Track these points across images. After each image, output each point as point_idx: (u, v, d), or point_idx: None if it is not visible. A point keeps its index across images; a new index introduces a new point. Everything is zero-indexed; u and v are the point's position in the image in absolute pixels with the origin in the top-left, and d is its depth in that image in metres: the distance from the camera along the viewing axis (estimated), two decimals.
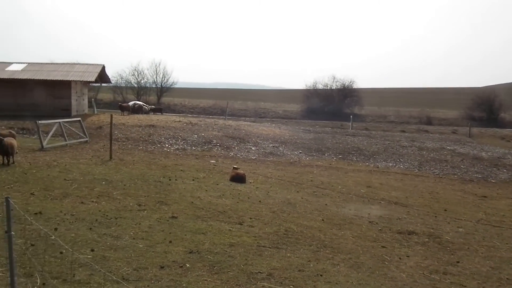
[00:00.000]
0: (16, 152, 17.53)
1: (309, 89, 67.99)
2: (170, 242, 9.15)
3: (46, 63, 44.39)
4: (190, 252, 8.60)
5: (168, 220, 10.85)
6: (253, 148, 28.00)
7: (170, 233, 9.83)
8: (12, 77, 38.79)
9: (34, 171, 15.91)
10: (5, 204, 4.60)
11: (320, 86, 67.65)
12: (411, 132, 44.43)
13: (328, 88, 66.94)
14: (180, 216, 11.34)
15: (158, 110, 49.27)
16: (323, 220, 12.40)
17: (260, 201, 14.07)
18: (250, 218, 11.73)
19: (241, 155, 25.91)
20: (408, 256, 9.80)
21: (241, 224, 11.12)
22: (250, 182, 17.26)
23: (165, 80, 68.19)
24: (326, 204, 14.59)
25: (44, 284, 6.57)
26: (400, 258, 9.60)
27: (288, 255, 9.10)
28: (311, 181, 19.01)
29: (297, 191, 16.42)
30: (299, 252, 9.35)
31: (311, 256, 9.16)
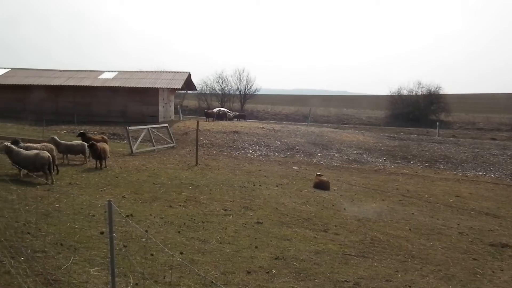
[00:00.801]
0: (108, 157, 18.30)
1: (393, 95, 66.36)
2: (256, 247, 9.22)
3: (136, 71, 46.11)
4: (276, 258, 8.62)
5: (253, 226, 10.95)
6: (336, 155, 27.75)
7: (255, 238, 9.91)
8: (104, 85, 40.60)
9: (125, 175, 16.54)
10: (107, 207, 4.79)
11: (405, 92, 65.88)
12: (502, 140, 42.37)
13: (413, 94, 65.07)
14: (265, 221, 11.41)
15: (241, 116, 49.92)
16: (410, 229, 12.08)
17: (344, 208, 13.92)
18: (335, 226, 11.61)
19: (324, 162, 25.75)
20: (502, 270, 9.35)
21: (326, 232, 11.04)
22: (334, 189, 17.11)
23: (249, 87, 69.05)
24: (412, 213, 14.20)
25: (137, 284, 6.80)
26: (493, 272, 9.18)
27: (375, 264, 8.92)
28: (397, 189, 18.58)
29: (382, 199, 16.09)
30: (386, 262, 9.15)
31: (399, 267, 8.93)
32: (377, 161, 27.21)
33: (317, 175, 18.07)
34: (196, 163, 20.72)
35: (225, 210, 12.33)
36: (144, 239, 8.96)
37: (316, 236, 10.58)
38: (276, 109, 66.26)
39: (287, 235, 10.40)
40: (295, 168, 22.54)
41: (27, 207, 10.57)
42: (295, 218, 12.05)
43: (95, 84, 40.81)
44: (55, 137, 18.43)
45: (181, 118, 47.04)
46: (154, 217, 10.95)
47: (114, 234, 4.76)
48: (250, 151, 27.24)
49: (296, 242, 9.95)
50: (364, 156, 28.25)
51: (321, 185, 17.01)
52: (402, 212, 14.31)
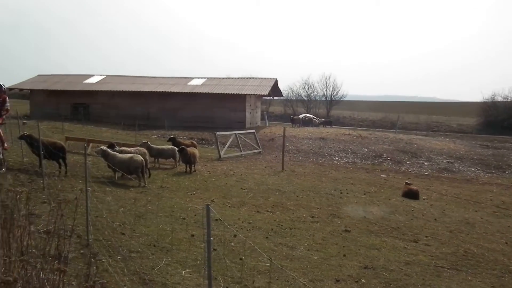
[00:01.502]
0: (197, 161, 18.75)
1: (486, 102, 63.52)
2: (344, 255, 9.12)
3: (223, 78, 47.05)
4: (365, 268, 8.49)
5: (341, 234, 10.83)
6: (425, 163, 26.96)
7: (343, 246, 9.80)
8: (193, 91, 41.67)
9: (213, 179, 16.88)
10: (205, 211, 4.90)
11: (499, 99, 62.95)
12: None
13: (509, 100, 61.99)
14: (353, 230, 11.26)
15: (327, 123, 49.66)
16: (506, 243, 11.50)
17: (435, 219, 13.47)
18: (426, 237, 11.27)
19: (413, 170, 25.09)
20: None
21: (416, 242, 10.73)
22: (424, 199, 16.61)
23: (335, 93, 68.55)
24: (509, 226, 13.51)
25: (227, 287, 6.91)
26: None
27: (469, 278, 8.57)
28: (491, 200, 17.77)
29: (476, 211, 15.44)
30: (481, 276, 8.76)
31: (495, 282, 8.53)
32: (469, 170, 26.18)
33: (406, 183, 17.63)
34: (282, 169, 20.81)
35: (312, 217, 12.28)
36: (233, 244, 9.10)
37: (406, 246, 10.31)
38: (362, 116, 65.37)
39: (376, 244, 10.21)
40: (383, 176, 22.12)
41: (122, 209, 11.00)
42: (383, 227, 11.81)
43: (185, 91, 42.03)
44: (148, 142, 19.12)
45: (267, 124, 47.44)
46: (242, 222, 11.09)
47: (211, 238, 4.85)
48: (337, 158, 27.02)
49: (385, 251, 9.75)
50: (455, 165, 27.27)
51: (411, 194, 16.57)
52: (497, 224, 13.66)
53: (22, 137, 14.91)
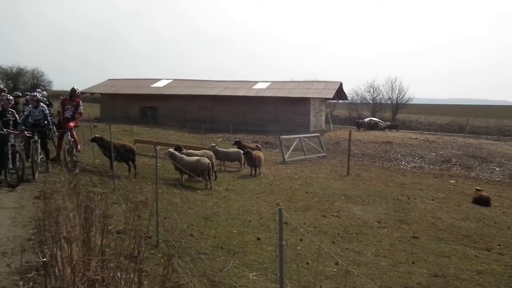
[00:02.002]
0: (262, 164, 18.84)
1: None
2: (413, 263, 8.93)
3: (288, 81, 47.08)
4: (434, 276, 8.28)
5: (409, 240, 10.62)
6: (497, 169, 26.00)
7: (412, 253, 9.60)
8: (257, 95, 41.93)
9: (278, 182, 16.91)
10: (277, 215, 4.95)
11: None
12: None
13: None
14: (422, 236, 11.02)
15: (393, 126, 48.73)
16: None
17: (508, 227, 12.98)
18: (499, 245, 10.87)
19: (484, 176, 24.27)
20: None
21: (488, 251, 10.38)
22: (496, 206, 16.04)
23: (401, 96, 67.13)
24: None
25: None
26: None
27: None
28: None
29: None
30: None
31: None
32: None
33: (477, 189, 17.09)
34: (348, 173, 20.61)
35: (379, 222, 12.11)
36: (299, 247, 9.10)
37: (477, 255, 10.00)
38: (430, 120, 63.71)
39: (446, 252, 9.95)
40: (452, 181, 21.50)
41: (189, 210, 11.20)
42: (453, 235, 11.48)
43: (249, 94, 42.35)
44: (215, 145, 19.40)
45: (331, 128, 47.13)
46: (308, 226, 11.06)
47: (283, 242, 4.88)
48: (403, 163, 26.51)
49: (456, 259, 9.48)
50: None
51: (481, 201, 16.03)
52: None
53: (94, 140, 15.43)
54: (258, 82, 45.94)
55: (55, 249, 4.12)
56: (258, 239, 9.36)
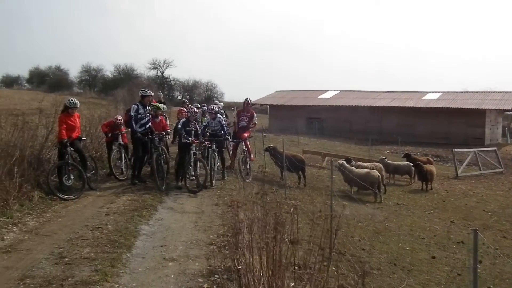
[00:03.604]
0: (433, 179, 18.08)
1: None
2: None
3: (460, 92, 44.84)
4: None
5: None
6: None
7: None
8: (427, 106, 40.47)
9: (452, 199, 16.11)
10: (472, 236, 4.73)
11: None
12: None
13: None
14: None
15: None
16: None
17: None
18: None
19: None
20: None
21: None
22: None
23: None
24: None
25: None
26: None
27: None
28: None
29: None
30: None
31: None
32: None
33: None
34: None
35: None
36: (479, 270, 8.56)
37: None
38: None
39: None
40: None
41: (359, 224, 11.12)
42: None
43: (419, 105, 41.05)
44: (385, 157, 19.05)
45: (509, 142, 43.83)
46: (487, 247, 10.33)
47: (478, 265, 4.65)
48: None
49: None
50: None
51: None
52: None
53: (267, 149, 15.99)
54: (428, 92, 44.32)
55: (248, 257, 4.32)
56: (433, 257, 9.02)
